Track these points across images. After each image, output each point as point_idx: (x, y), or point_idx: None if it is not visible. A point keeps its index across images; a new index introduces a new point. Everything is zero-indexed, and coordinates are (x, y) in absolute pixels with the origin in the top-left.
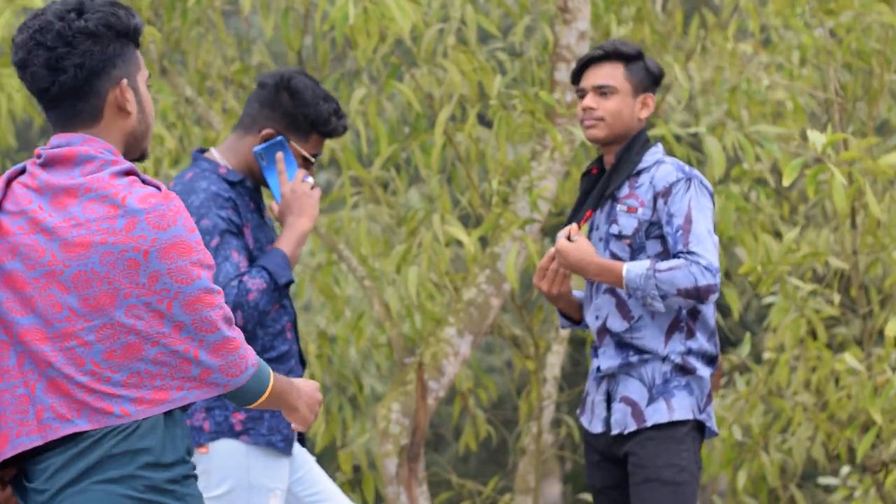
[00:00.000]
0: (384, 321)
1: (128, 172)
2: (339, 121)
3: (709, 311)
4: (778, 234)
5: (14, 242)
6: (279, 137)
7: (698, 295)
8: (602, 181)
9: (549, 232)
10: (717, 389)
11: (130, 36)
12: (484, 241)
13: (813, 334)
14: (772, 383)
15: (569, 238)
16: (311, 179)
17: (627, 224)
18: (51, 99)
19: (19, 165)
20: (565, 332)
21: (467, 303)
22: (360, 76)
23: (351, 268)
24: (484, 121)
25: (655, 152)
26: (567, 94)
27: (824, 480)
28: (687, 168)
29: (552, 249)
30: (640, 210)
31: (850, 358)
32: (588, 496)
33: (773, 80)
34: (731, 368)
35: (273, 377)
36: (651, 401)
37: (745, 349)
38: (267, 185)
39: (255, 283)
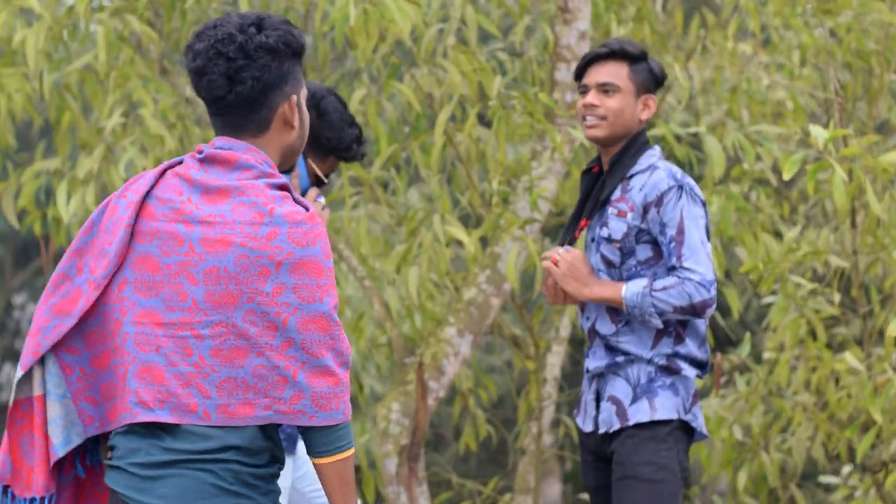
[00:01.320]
0: (384, 321)
1: (282, 187)
2: (360, 147)
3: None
4: (778, 234)
5: (155, 227)
6: None
7: (694, 311)
8: (598, 185)
9: (550, 232)
10: (718, 389)
11: (300, 55)
12: (484, 241)
13: (813, 334)
14: (772, 383)
15: (556, 263)
16: (322, 200)
17: (617, 228)
18: (225, 106)
19: (178, 157)
20: (565, 332)
21: (467, 303)
22: (361, 76)
23: (351, 268)
24: (484, 121)
25: (651, 155)
26: (567, 95)
27: (825, 479)
28: (679, 175)
29: (545, 263)
30: (630, 215)
31: (850, 358)
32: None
33: (773, 80)
34: (731, 368)
35: (353, 455)
36: (635, 400)
37: (745, 349)
38: None
39: None
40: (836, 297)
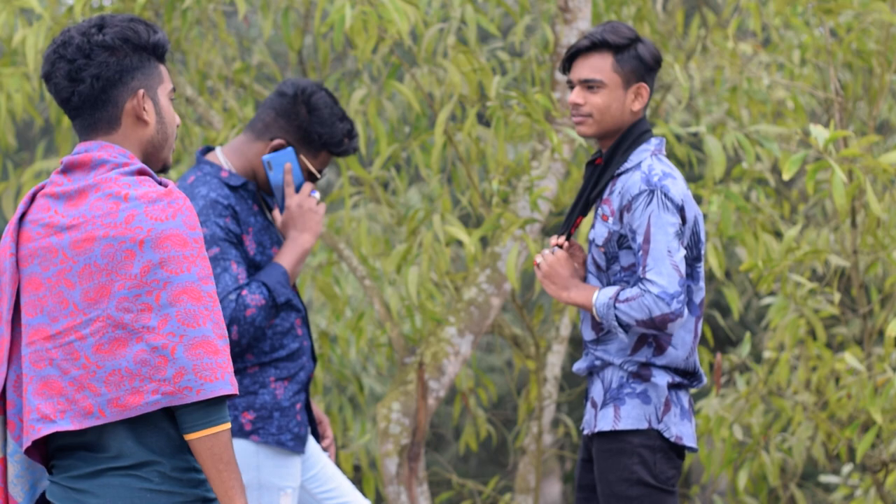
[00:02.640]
0: (384, 321)
1: (138, 172)
2: (351, 142)
3: (688, 325)
4: (778, 234)
5: (33, 248)
6: (289, 148)
7: (654, 325)
8: (593, 181)
9: (550, 232)
10: (718, 389)
11: (150, 50)
12: (484, 241)
13: (813, 334)
14: (772, 383)
15: (539, 264)
16: (317, 194)
17: (601, 232)
18: (73, 108)
19: (43, 182)
20: (566, 332)
21: (468, 302)
22: (361, 76)
23: (351, 267)
24: (484, 120)
25: (643, 150)
26: (567, 94)
27: (825, 479)
28: (656, 178)
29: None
30: (611, 219)
31: (850, 357)
32: None
33: (773, 80)
34: (731, 368)
35: (229, 428)
36: (604, 405)
37: (745, 349)
38: (271, 193)
39: (255, 298)
40: (836, 297)
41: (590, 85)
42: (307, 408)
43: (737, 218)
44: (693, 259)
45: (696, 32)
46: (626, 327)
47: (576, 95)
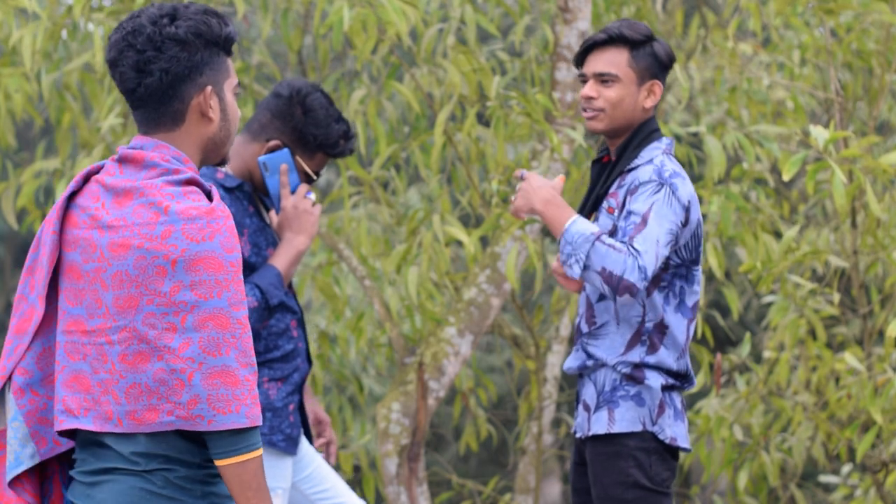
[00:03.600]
0: (384, 321)
1: (187, 182)
2: (347, 143)
3: (680, 327)
4: (778, 234)
5: (77, 235)
6: (285, 150)
7: (617, 285)
8: (602, 178)
9: (550, 232)
10: (718, 389)
11: (221, 45)
12: (484, 241)
13: (813, 334)
14: (772, 383)
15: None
16: (312, 196)
17: (604, 224)
18: (137, 99)
19: (101, 162)
20: (565, 332)
21: (467, 302)
22: (360, 76)
23: (351, 268)
24: (483, 120)
25: (655, 148)
26: (567, 95)
27: (825, 479)
28: (668, 174)
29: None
30: (616, 212)
31: (850, 358)
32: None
33: (773, 80)
34: (731, 368)
35: (261, 456)
36: (597, 408)
37: (745, 349)
38: (267, 194)
39: (248, 300)
40: (836, 297)
41: (604, 79)
42: (301, 409)
43: (737, 218)
44: (691, 262)
45: (695, 32)
46: (585, 267)
47: (589, 89)
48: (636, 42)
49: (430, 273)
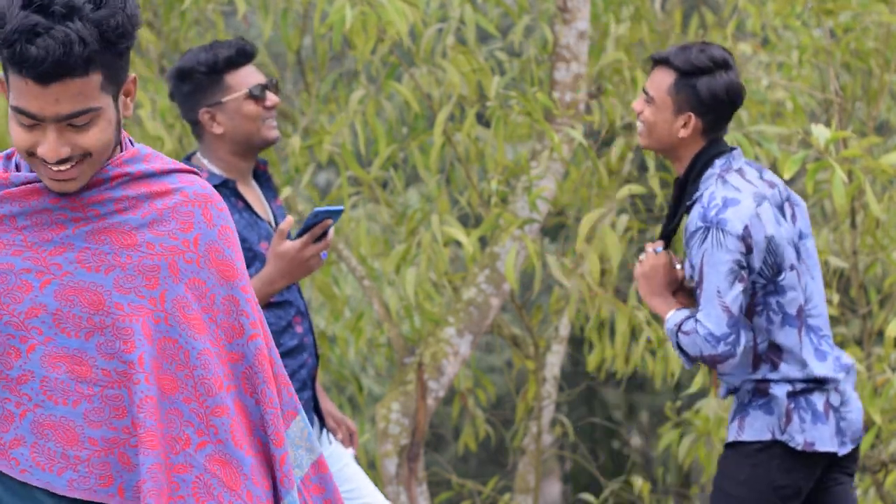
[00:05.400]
0: (383, 321)
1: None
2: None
3: (792, 340)
4: None
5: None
6: (341, 207)
7: (709, 363)
8: (672, 205)
9: (549, 232)
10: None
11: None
12: (483, 241)
13: None
14: None
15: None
16: (326, 256)
17: (686, 266)
18: None
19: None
20: (565, 332)
21: (467, 302)
22: (359, 76)
23: (350, 268)
24: (483, 120)
25: (709, 177)
26: (567, 94)
27: None
28: (713, 212)
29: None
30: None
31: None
32: (588, 496)
33: (772, 80)
34: None
35: None
36: (733, 418)
37: None
38: (263, 148)
39: None
40: (836, 298)
41: (647, 98)
42: (315, 406)
43: None
44: (773, 275)
45: (694, 32)
46: (687, 357)
47: (637, 101)
48: (683, 71)
49: (429, 273)
